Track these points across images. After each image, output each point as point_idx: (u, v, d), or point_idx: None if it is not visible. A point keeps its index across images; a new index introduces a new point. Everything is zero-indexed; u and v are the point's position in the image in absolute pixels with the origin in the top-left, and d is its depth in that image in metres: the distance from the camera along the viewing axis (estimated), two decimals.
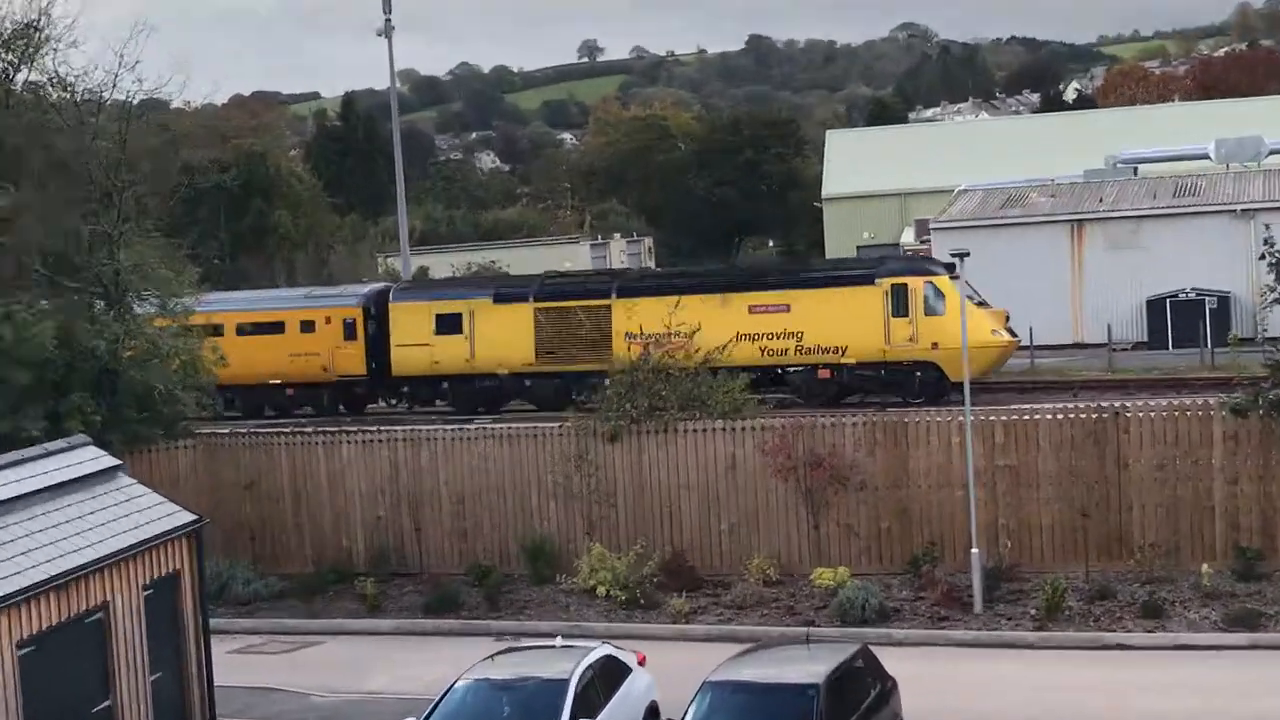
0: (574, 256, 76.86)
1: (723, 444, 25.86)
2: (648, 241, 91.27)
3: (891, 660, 18.37)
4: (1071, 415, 24.46)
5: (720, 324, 39.07)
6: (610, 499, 26.32)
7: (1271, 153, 63.32)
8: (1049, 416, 24.55)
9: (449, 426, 28.97)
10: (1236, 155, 62.25)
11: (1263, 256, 23.45)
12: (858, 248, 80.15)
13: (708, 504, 25.90)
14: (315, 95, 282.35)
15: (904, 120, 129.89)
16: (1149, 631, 21.33)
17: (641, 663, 18.66)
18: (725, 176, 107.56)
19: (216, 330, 44.35)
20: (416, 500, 27.40)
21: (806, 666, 16.47)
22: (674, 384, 27.07)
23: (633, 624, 23.72)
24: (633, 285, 41.99)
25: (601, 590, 24.67)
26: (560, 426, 26.95)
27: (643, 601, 24.23)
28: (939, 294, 38.47)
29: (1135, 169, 62.37)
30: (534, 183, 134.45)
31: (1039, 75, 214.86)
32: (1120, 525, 23.90)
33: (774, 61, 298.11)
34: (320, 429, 30.04)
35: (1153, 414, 23.97)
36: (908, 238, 73.91)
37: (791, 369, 39.46)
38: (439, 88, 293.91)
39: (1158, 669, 20.16)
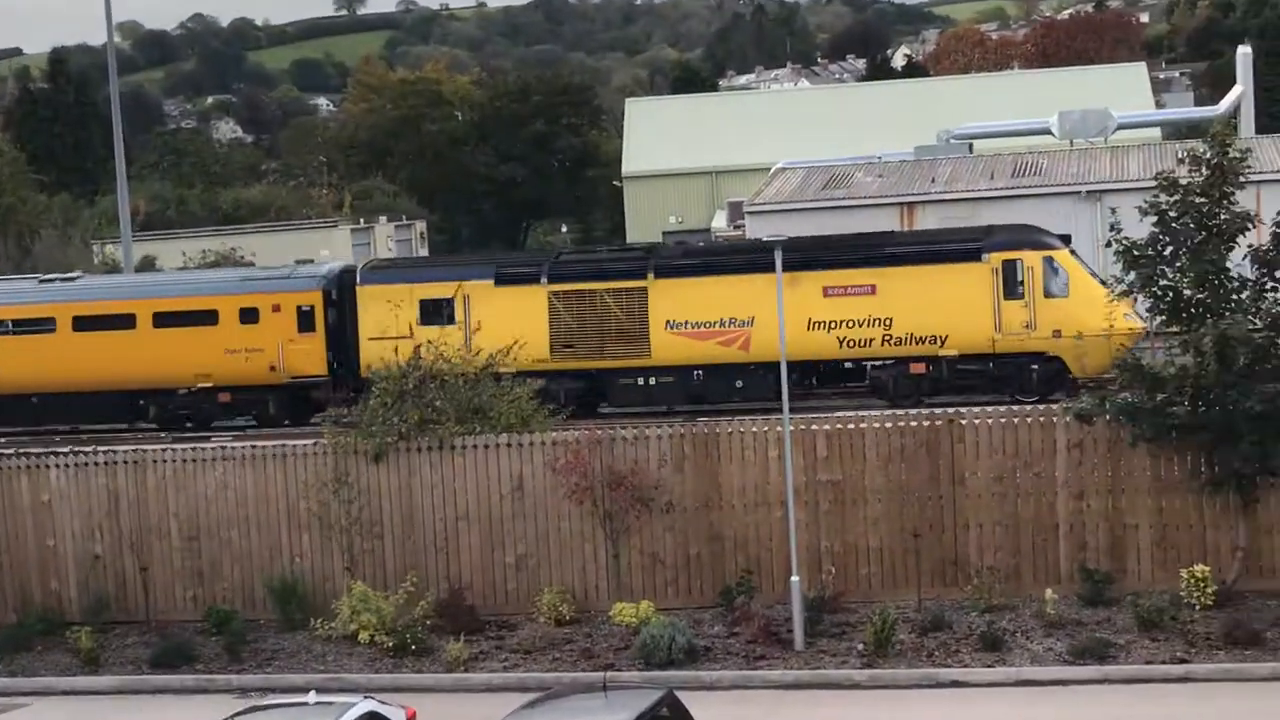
0: (331, 243, 75.89)
1: (508, 462, 25.83)
2: (420, 225, 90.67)
3: (701, 707, 18.58)
4: (901, 424, 25.09)
5: (787, 309, 38.00)
6: (375, 529, 26.05)
7: (1120, 127, 66.10)
8: (876, 425, 25.13)
9: (180, 447, 28.32)
10: (1081, 130, 64.75)
11: (1109, 244, 24.37)
12: (663, 233, 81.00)
13: (490, 533, 25.84)
14: (16, 51, 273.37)
15: (714, 88, 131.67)
16: (988, 666, 21.99)
17: (412, 719, 18.53)
18: (511, 151, 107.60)
19: (123, 321, 42.98)
20: (141, 535, 26.71)
21: (602, 718, 16.56)
22: (450, 393, 26.92)
23: (402, 674, 23.53)
24: (675, 263, 40.38)
25: (364, 636, 24.41)
26: (314, 445, 26.57)
27: (414, 648, 24.05)
28: (1059, 271, 37.70)
29: (971, 145, 64.38)
30: (283, 156, 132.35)
31: (865, 39, 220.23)
32: (955, 547, 24.60)
33: (566, 18, 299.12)
34: (22, 450, 29.04)
35: (990, 421, 24.72)
36: (719, 222, 75.00)
37: (876, 363, 38.44)
38: (168, 44, 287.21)
39: (999, 708, 20.81)
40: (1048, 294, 37.63)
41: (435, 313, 40.99)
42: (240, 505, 26.54)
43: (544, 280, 40.38)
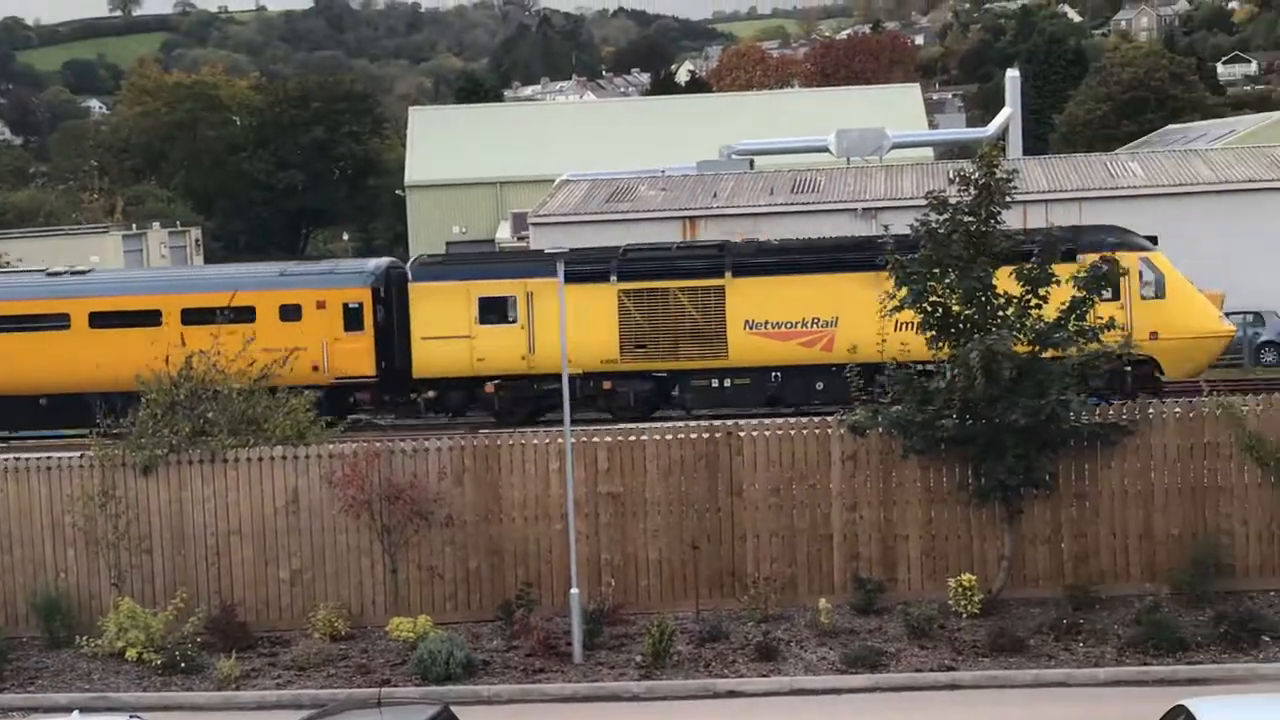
0: (102, 249, 73.83)
1: (283, 475, 25.38)
2: (195, 232, 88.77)
3: None
4: (681, 436, 25.31)
5: (873, 309, 36.79)
6: (144, 544, 25.37)
7: (895, 146, 67.78)
8: (656, 437, 25.32)
9: None
10: (858, 148, 66.30)
11: (881, 260, 24.91)
12: (447, 244, 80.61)
13: (264, 547, 25.35)
14: None
15: (499, 99, 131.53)
16: (763, 676, 22.27)
17: None
18: (290, 158, 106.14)
19: (151, 318, 40.58)
20: None
21: None
22: (224, 404, 26.36)
23: (171, 692, 22.96)
24: (753, 261, 39.45)
25: (132, 653, 23.76)
26: (81, 457, 25.79)
27: (183, 665, 23.47)
28: (1156, 272, 37.15)
29: (752, 161, 65.44)
30: (53, 159, 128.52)
31: (650, 53, 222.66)
32: (733, 558, 24.89)
33: (348, 24, 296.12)
34: None
35: (767, 433, 25.08)
36: (504, 233, 74.97)
37: None
38: None
39: (773, 717, 21.10)
40: (1145, 295, 37.57)
41: (496, 312, 39.65)
42: (2, 520, 25.61)
43: (613, 278, 39.54)
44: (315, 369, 39.94)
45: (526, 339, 39.24)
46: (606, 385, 39.18)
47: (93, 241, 76.23)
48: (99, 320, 41.56)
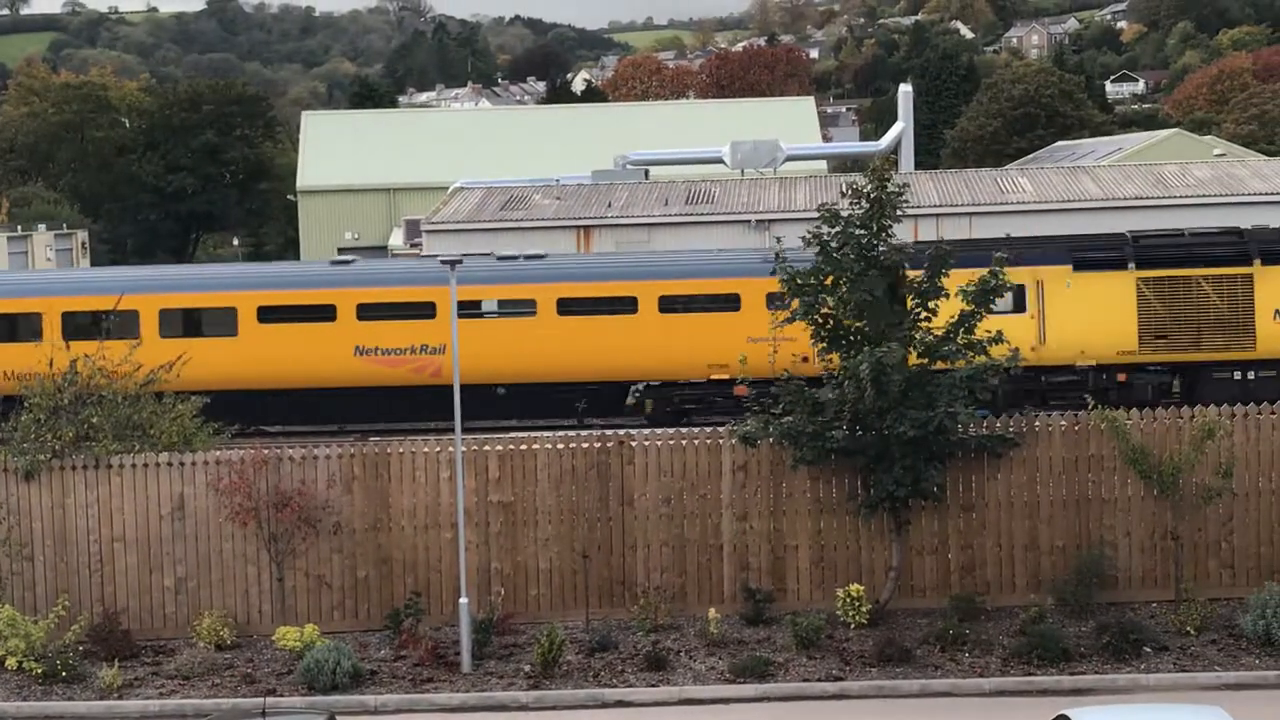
0: None
1: (169, 482, 25.05)
2: (81, 235, 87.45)
3: None
4: (574, 445, 25.30)
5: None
6: (25, 551, 24.92)
7: (789, 158, 68.30)
8: (549, 447, 25.29)
9: None
10: (752, 160, 66.72)
11: (773, 272, 25.08)
12: (339, 249, 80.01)
13: (149, 555, 25.00)
14: None
15: (394, 105, 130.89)
16: (652, 685, 22.31)
17: None
18: (180, 160, 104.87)
19: (622, 305, 39.13)
20: None
21: None
22: (109, 409, 25.97)
23: (52, 701, 22.58)
24: None
25: (12, 662, 23.34)
26: None
27: (64, 675, 23.08)
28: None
29: (647, 171, 65.58)
30: None
31: (545, 62, 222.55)
32: (624, 567, 24.92)
33: (241, 27, 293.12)
34: None
35: (659, 443, 25.15)
36: (396, 239, 74.49)
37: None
38: None
39: None
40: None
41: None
42: None
43: (1131, 266, 37.92)
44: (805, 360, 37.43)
45: (1037, 328, 37.78)
46: (1121, 378, 37.75)
47: None
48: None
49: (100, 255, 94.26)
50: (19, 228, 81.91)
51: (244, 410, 36.88)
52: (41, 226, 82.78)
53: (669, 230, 51.82)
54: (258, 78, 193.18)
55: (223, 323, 40.45)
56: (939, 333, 24.17)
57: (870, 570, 24.68)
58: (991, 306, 24.36)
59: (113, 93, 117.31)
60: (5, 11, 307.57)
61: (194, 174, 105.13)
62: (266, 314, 40.54)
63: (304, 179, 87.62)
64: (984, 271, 24.33)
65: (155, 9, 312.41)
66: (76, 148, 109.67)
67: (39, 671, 23.12)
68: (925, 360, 24.10)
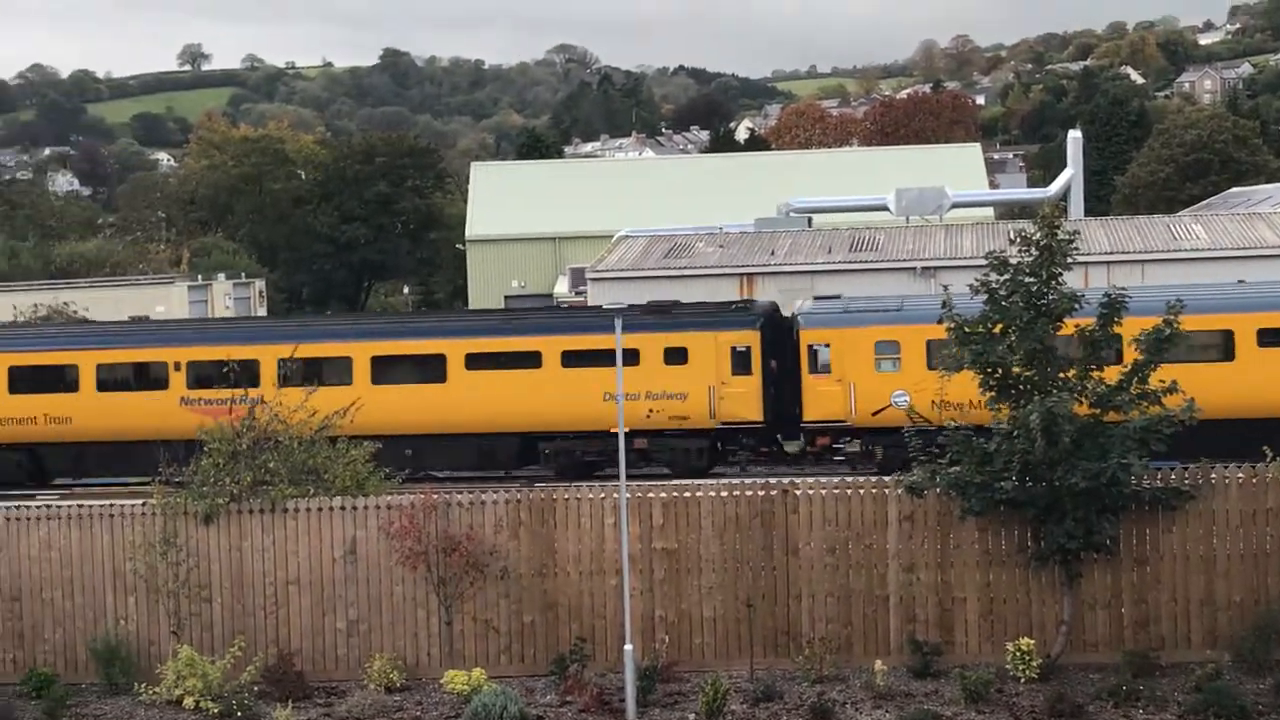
0: (168, 299, 74.58)
1: (341, 525, 25.47)
2: (259, 284, 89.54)
3: None
4: (737, 493, 25.23)
5: None
6: (203, 592, 25.49)
7: (954, 206, 67.66)
8: (712, 494, 25.25)
9: (2, 505, 27.46)
10: (917, 208, 66.21)
11: (939, 320, 24.83)
12: (505, 298, 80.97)
13: (322, 597, 25.42)
14: None
15: (560, 155, 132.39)
16: None
17: None
18: (353, 211, 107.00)
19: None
20: None
21: None
22: (284, 454, 26.51)
23: None
24: None
25: (190, 701, 23.82)
26: (142, 505, 25.97)
27: (240, 715, 23.52)
28: None
29: (810, 219, 65.39)
30: (121, 210, 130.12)
31: (709, 111, 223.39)
32: (789, 617, 24.74)
33: (413, 81, 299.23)
34: None
35: (823, 492, 24.97)
36: (562, 287, 75.17)
37: None
38: (4, 93, 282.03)
39: None
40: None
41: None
42: (65, 566, 25.80)
43: None
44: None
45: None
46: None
47: (159, 291, 77.03)
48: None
49: (276, 304, 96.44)
50: (199, 277, 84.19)
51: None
52: (221, 276, 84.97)
53: (832, 278, 51.57)
54: (428, 130, 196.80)
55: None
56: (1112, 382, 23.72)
57: (1041, 624, 24.20)
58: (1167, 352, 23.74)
59: (289, 146, 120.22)
60: (187, 67, 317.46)
61: (367, 224, 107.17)
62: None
63: (473, 228, 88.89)
64: (1158, 320, 23.84)
65: (330, 64, 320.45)
66: (255, 199, 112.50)
67: (215, 711, 23.57)
68: (1097, 411, 23.64)
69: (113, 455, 41.55)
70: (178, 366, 42.17)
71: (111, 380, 42.71)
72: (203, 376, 41.62)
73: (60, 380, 42.61)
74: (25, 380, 42.73)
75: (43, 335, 46.77)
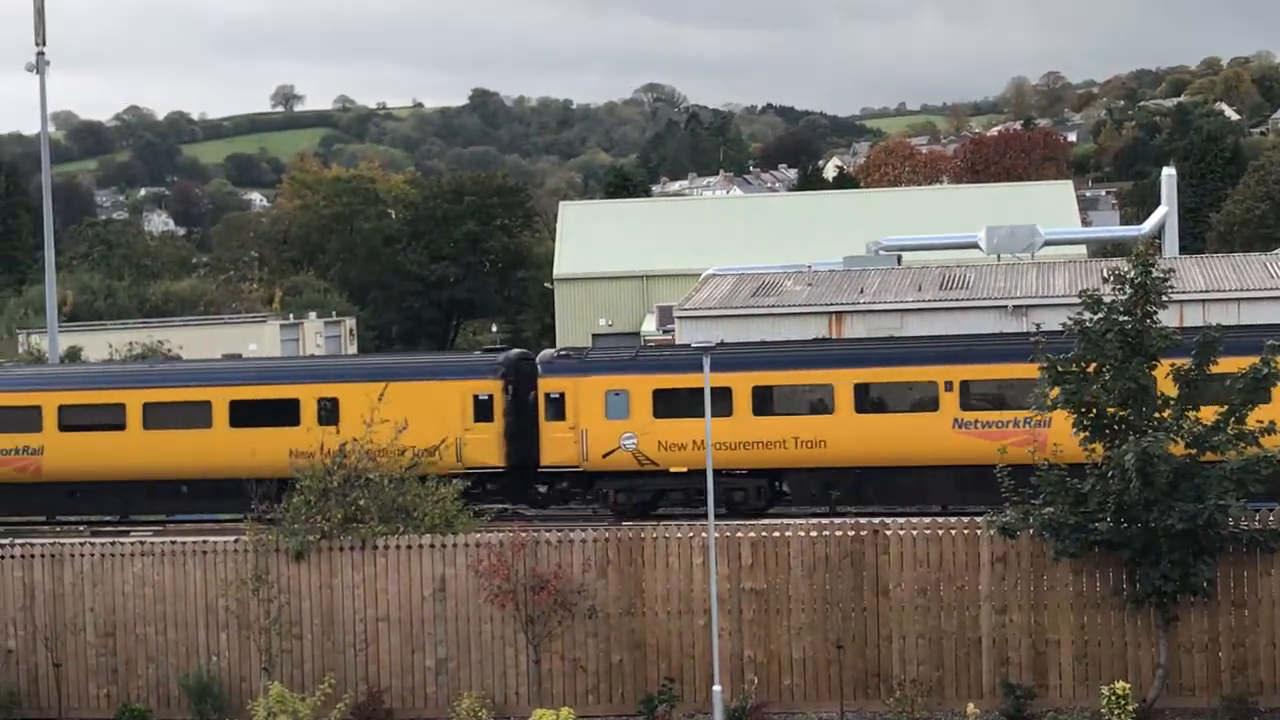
0: (260, 337, 75.47)
1: (430, 563, 25.61)
2: (349, 322, 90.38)
3: None
4: (826, 533, 25.11)
5: None
6: (294, 629, 25.70)
7: (1047, 243, 67.01)
8: (802, 534, 25.14)
9: (98, 541, 27.87)
10: (1009, 245, 65.61)
11: (1032, 358, 24.63)
12: (593, 335, 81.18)
13: (411, 635, 25.55)
14: None
15: (647, 193, 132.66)
16: None
17: None
18: (442, 250, 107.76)
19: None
20: (56, 631, 26.21)
21: None
22: (375, 491, 26.71)
23: None
24: None
25: None
26: (235, 542, 26.25)
27: None
28: None
29: (899, 257, 65.04)
30: (215, 250, 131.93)
31: (796, 149, 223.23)
32: (879, 659, 24.56)
33: (502, 121, 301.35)
34: None
35: (914, 532, 24.79)
36: (649, 325, 75.25)
37: None
38: (102, 135, 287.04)
39: None
40: None
41: None
42: (158, 602, 26.13)
43: None
44: None
45: None
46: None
47: (251, 330, 77.98)
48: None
49: (366, 342, 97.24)
50: (291, 315, 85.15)
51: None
52: (312, 314, 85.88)
53: (922, 317, 51.26)
54: (517, 169, 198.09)
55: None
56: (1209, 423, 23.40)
57: (1136, 667, 23.88)
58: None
59: (380, 185, 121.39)
60: (280, 109, 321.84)
61: (456, 263, 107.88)
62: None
63: (560, 267, 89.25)
64: (1255, 359, 23.51)
65: (421, 104, 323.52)
66: (345, 238, 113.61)
67: None
68: (1194, 451, 23.32)
69: None
70: None
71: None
72: None
73: None
74: None
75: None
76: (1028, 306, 50.63)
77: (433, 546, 25.67)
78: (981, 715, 23.33)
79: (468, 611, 25.42)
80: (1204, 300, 48.89)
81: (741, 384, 38.57)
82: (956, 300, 52.61)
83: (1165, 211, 73.53)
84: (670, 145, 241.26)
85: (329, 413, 40.76)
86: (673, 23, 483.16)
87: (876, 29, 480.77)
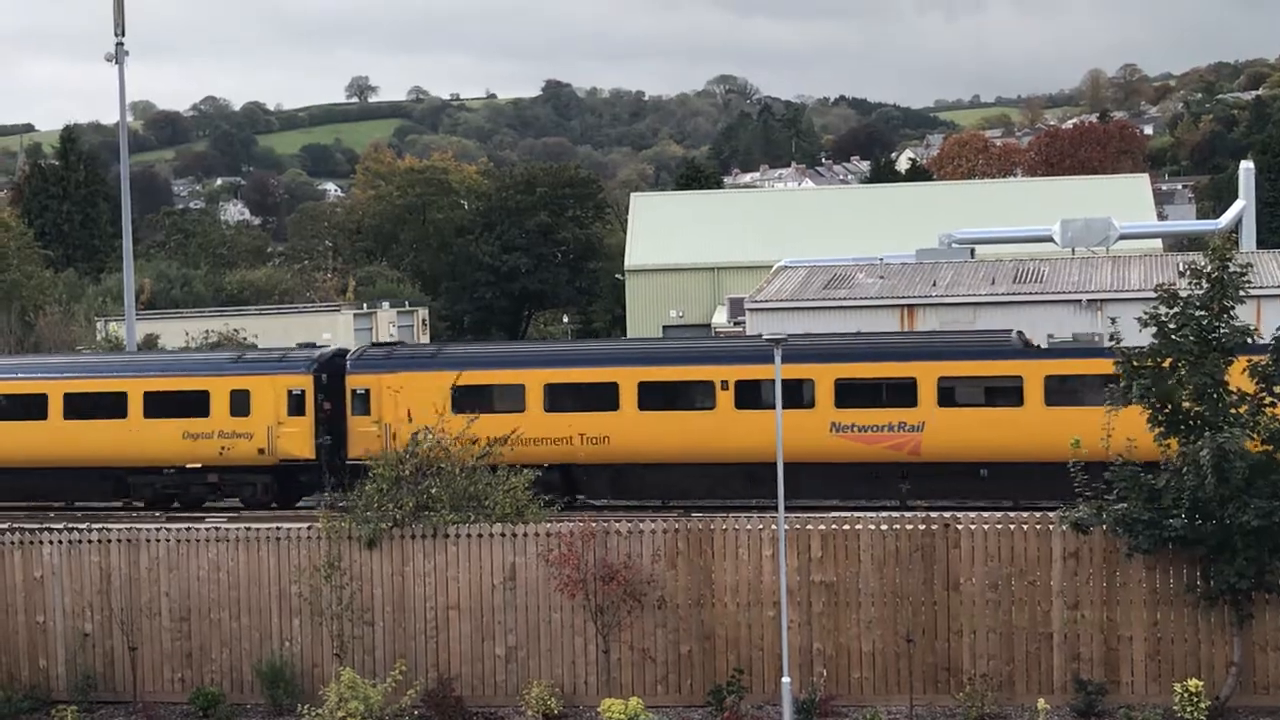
0: (334, 326, 76.05)
1: (501, 552, 25.71)
2: (422, 312, 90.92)
3: None
4: (897, 527, 25.01)
5: None
6: (366, 616, 25.89)
7: (1122, 237, 66.41)
8: (872, 527, 25.05)
9: (174, 527, 28.18)
10: (1084, 239, 65.09)
11: (1109, 352, 24.40)
12: (663, 327, 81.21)
13: (481, 623, 25.68)
14: (29, 127, 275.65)
15: (719, 185, 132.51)
16: None
17: None
18: (514, 241, 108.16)
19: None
20: (132, 615, 26.54)
21: None
22: (446, 480, 26.84)
23: None
24: None
25: None
26: (309, 529, 26.47)
27: None
28: None
29: (972, 250, 64.65)
30: (289, 239, 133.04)
31: (869, 141, 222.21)
32: (949, 653, 24.44)
33: (574, 112, 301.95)
34: (16, 525, 28.92)
35: (985, 527, 24.64)
36: (720, 317, 75.23)
37: None
38: (179, 125, 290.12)
39: None
40: None
41: None
42: (232, 588, 26.39)
43: None
44: None
45: None
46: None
47: (326, 319, 78.58)
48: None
49: (439, 331, 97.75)
50: (365, 305, 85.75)
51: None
52: (385, 304, 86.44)
53: (995, 310, 50.91)
54: (589, 160, 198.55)
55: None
56: None
57: (1210, 665, 23.63)
58: None
59: (453, 176, 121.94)
60: (355, 100, 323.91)
61: (528, 254, 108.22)
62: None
63: (632, 258, 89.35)
64: None
65: (494, 95, 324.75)
66: (419, 229, 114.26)
67: None
68: (1270, 447, 23.04)
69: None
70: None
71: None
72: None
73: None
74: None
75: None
76: (1102, 300, 50.24)
77: (503, 535, 25.77)
78: (1052, 711, 23.18)
79: (537, 600, 25.50)
80: None
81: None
82: (1030, 293, 52.26)
83: (1243, 205, 72.68)
84: (742, 137, 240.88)
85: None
86: (741, 13, 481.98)
87: (949, 20, 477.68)
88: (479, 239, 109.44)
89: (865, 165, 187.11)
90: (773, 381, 26.48)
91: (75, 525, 29.28)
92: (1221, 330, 23.47)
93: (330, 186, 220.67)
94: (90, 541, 26.91)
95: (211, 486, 42.87)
